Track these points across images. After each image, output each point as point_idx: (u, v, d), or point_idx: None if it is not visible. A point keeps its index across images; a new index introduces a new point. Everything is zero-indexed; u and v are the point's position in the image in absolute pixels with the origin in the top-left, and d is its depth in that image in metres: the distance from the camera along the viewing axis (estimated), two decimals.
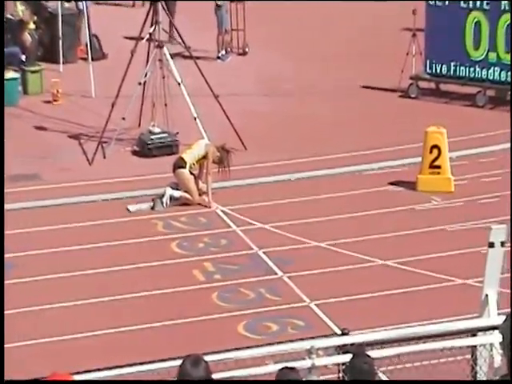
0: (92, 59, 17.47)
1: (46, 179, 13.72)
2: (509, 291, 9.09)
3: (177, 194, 12.86)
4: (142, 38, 14.74)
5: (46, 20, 19.09)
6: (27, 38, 18.30)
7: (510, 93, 16.44)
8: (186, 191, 12.85)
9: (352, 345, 6.09)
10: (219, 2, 19.25)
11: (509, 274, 9.00)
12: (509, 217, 11.84)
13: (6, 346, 8.56)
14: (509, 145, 14.52)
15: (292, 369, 5.53)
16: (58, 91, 16.91)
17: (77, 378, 5.57)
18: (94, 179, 13.65)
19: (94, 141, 14.75)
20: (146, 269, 11.13)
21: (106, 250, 11.59)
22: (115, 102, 14.21)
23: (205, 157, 12.89)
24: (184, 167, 12.80)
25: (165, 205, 12.79)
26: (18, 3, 18.59)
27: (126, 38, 18.92)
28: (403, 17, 18.57)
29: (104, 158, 14.44)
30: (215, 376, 5.30)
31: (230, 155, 13.05)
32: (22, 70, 17.45)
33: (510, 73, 16.23)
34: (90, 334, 9.66)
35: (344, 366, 5.93)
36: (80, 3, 18.60)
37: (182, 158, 12.90)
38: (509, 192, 12.94)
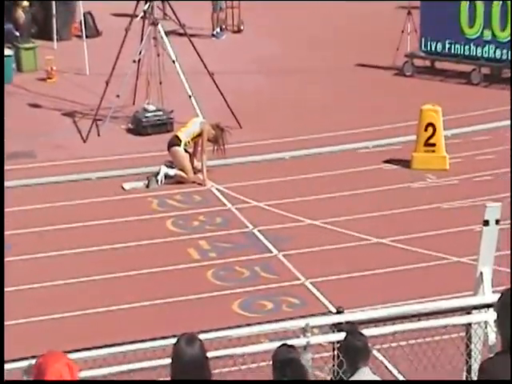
0: (86, 36, 17.39)
1: (40, 157, 13.67)
2: (503, 269, 9.11)
3: (172, 171, 12.83)
4: (137, 16, 14.66)
5: None
6: (21, 15, 18.22)
7: (504, 70, 16.41)
8: (180, 169, 12.82)
9: (346, 323, 6.08)
10: None
11: (504, 252, 8.99)
12: (503, 194, 11.86)
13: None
14: (504, 122, 14.51)
15: (290, 346, 5.53)
16: (52, 68, 16.84)
17: (71, 356, 5.55)
18: (89, 157, 13.62)
19: (89, 118, 14.70)
20: (141, 247, 11.12)
21: (101, 228, 11.57)
22: (109, 79, 14.15)
23: (199, 135, 12.85)
24: (179, 145, 12.77)
25: (160, 183, 12.76)
26: None
27: (121, 15, 18.81)
28: None
29: (98, 135, 14.40)
30: (210, 354, 5.29)
31: (225, 133, 13.02)
32: (16, 47, 17.37)
33: (504, 50, 16.18)
34: (86, 311, 9.66)
35: (338, 345, 5.92)
36: None
37: (177, 136, 12.87)
38: (503, 170, 12.95)
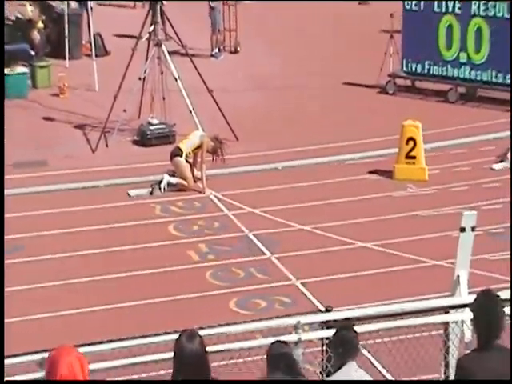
0: (96, 56, 17.36)
1: (52, 166, 13.62)
2: (478, 272, 9.08)
3: (173, 180, 12.79)
4: (142, 37, 14.64)
5: (54, 20, 18.99)
6: (36, 36, 18.19)
7: (478, 90, 16.42)
8: (182, 178, 12.78)
9: (335, 321, 6.05)
10: (213, 4, 19.14)
11: (478, 256, 8.97)
12: (479, 203, 11.85)
13: (6, 320, 8.50)
14: (478, 137, 14.52)
15: (283, 342, 5.50)
16: (64, 85, 16.80)
17: (81, 349, 5.51)
18: (97, 166, 13.57)
19: (98, 131, 14.66)
20: (145, 249, 11.07)
21: (108, 232, 11.52)
22: (117, 95, 14.12)
23: (199, 147, 12.82)
24: (180, 156, 12.73)
25: (162, 190, 12.72)
26: (27, 4, 18.46)
27: (128, 36, 18.78)
28: (382, 20, 18.50)
29: (106, 146, 14.36)
30: (209, 349, 5.25)
31: (223, 145, 13.00)
32: (31, 65, 17.34)
33: (479, 72, 16.19)
34: (93, 308, 9.61)
35: (328, 341, 5.89)
36: (85, 3, 18.49)
37: (179, 148, 12.83)
38: (479, 181, 12.94)
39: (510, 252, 10.31)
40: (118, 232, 11.51)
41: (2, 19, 17.27)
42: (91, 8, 18.12)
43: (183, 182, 12.77)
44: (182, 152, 12.73)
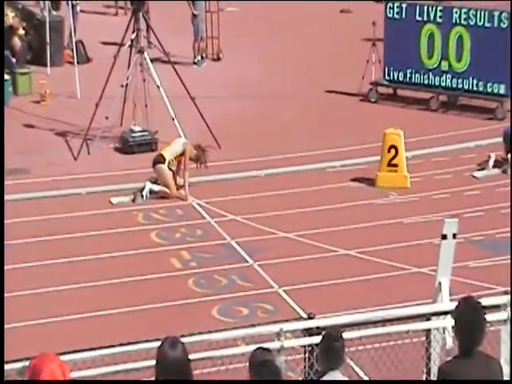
0: (77, 63, 17.33)
1: (34, 173, 13.58)
2: (460, 279, 9.13)
3: (156, 187, 12.79)
4: (124, 44, 14.63)
5: (35, 26, 18.93)
6: (17, 42, 18.13)
7: (460, 98, 16.52)
8: (164, 185, 12.77)
9: (318, 328, 6.05)
10: (195, 12, 19.17)
11: (460, 263, 9.02)
12: (460, 210, 11.91)
13: None
14: (459, 145, 14.60)
15: (265, 349, 5.50)
16: (45, 92, 16.75)
17: (63, 357, 5.49)
18: (79, 173, 13.54)
19: (79, 138, 14.63)
20: (128, 256, 11.05)
21: (91, 239, 11.49)
22: (99, 102, 14.10)
23: (182, 154, 12.82)
24: (163, 163, 12.73)
25: (145, 198, 12.71)
26: (8, 11, 18.40)
27: (110, 43, 18.77)
28: (364, 28, 18.59)
29: (88, 154, 14.33)
30: (191, 356, 5.25)
31: (206, 153, 13.02)
32: (12, 72, 17.27)
33: (460, 80, 16.29)
34: (75, 316, 9.57)
35: (310, 348, 5.89)
36: (74, 8, 18.55)
37: (162, 155, 12.83)
38: (460, 189, 13.02)
39: (509, 257, 10.36)
40: (100, 239, 11.48)
41: (2, 19, 17.21)
42: (75, 13, 18.11)
43: (165, 189, 12.76)
44: (164, 159, 12.72)
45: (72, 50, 17.73)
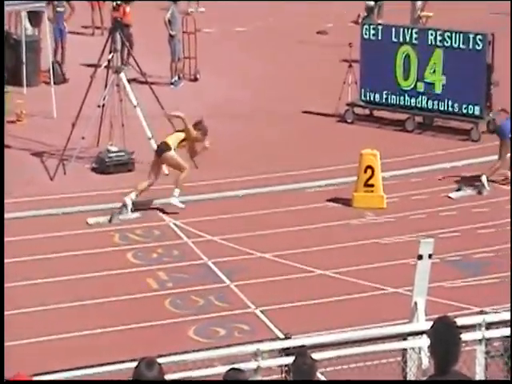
0: (54, 83, 17.32)
1: (10, 193, 13.51)
2: (435, 299, 9.19)
3: (174, 200, 12.76)
4: (101, 65, 14.66)
5: (11, 46, 18.88)
6: None
7: (435, 119, 16.68)
8: (178, 168, 12.88)
9: (297, 347, 6.09)
10: (172, 32, 19.24)
11: (436, 284, 9.09)
12: (436, 231, 12.00)
13: None
14: (435, 166, 14.72)
15: (238, 370, 5.51)
16: (21, 112, 16.72)
17: (37, 378, 5.49)
18: (55, 194, 13.51)
19: (56, 158, 14.60)
20: (104, 277, 11.02)
21: (67, 260, 11.46)
22: (75, 122, 14.10)
23: (186, 139, 12.93)
24: (169, 150, 12.90)
25: (130, 212, 12.64)
26: None
27: (86, 64, 18.77)
28: (341, 49, 18.73)
29: (65, 174, 14.31)
30: (168, 377, 5.26)
31: (204, 124, 13.22)
32: None
33: (435, 101, 16.44)
34: (51, 337, 9.53)
35: (286, 368, 5.93)
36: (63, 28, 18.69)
37: (166, 143, 12.99)
38: (436, 209, 13.12)
39: (484, 277, 10.45)
40: (77, 260, 11.45)
41: (2, 19, 17.16)
42: (65, 31, 18.37)
43: (181, 175, 12.88)
44: (169, 147, 12.90)
45: (48, 70, 17.71)
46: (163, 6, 20.75)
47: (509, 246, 11.62)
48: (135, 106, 14.29)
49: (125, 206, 12.70)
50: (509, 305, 9.31)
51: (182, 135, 13.10)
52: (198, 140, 13.16)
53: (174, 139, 13.06)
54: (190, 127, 13.13)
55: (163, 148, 12.95)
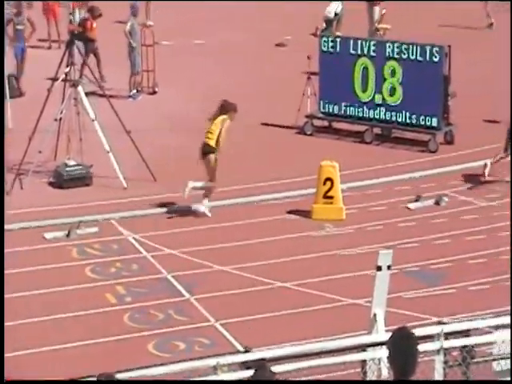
0: (10, 97, 17.18)
1: None
2: (394, 310, 9.26)
3: (198, 184, 13.12)
4: (58, 79, 14.58)
5: None
6: None
7: (393, 131, 16.84)
8: (210, 176, 13.09)
9: (256, 360, 6.09)
10: (134, 44, 19.21)
11: (394, 295, 9.15)
12: (394, 242, 12.10)
13: None
14: (393, 177, 14.84)
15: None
16: None
17: None
18: (12, 209, 13.36)
19: (12, 172, 14.46)
20: (62, 292, 10.93)
21: (24, 276, 11.35)
22: (32, 136, 14.00)
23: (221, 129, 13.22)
24: (213, 152, 13.07)
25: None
26: None
27: (44, 78, 18.64)
28: (300, 61, 18.83)
29: (21, 188, 14.18)
30: None
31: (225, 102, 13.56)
32: None
33: (393, 113, 16.59)
34: (9, 354, 9.40)
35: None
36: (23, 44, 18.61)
37: (209, 145, 13.16)
38: (394, 220, 13.22)
39: (442, 287, 10.53)
40: (34, 275, 11.35)
41: (2, 20, 16.96)
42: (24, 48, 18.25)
43: (210, 184, 13.11)
44: (214, 148, 13.08)
45: (3, 84, 17.57)
46: (119, 18, 20.70)
47: (466, 256, 11.76)
48: (93, 120, 14.23)
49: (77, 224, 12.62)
50: (466, 314, 9.43)
51: (218, 130, 13.21)
52: (232, 119, 13.36)
53: (214, 138, 13.13)
54: (221, 120, 13.25)
55: (207, 150, 13.14)
